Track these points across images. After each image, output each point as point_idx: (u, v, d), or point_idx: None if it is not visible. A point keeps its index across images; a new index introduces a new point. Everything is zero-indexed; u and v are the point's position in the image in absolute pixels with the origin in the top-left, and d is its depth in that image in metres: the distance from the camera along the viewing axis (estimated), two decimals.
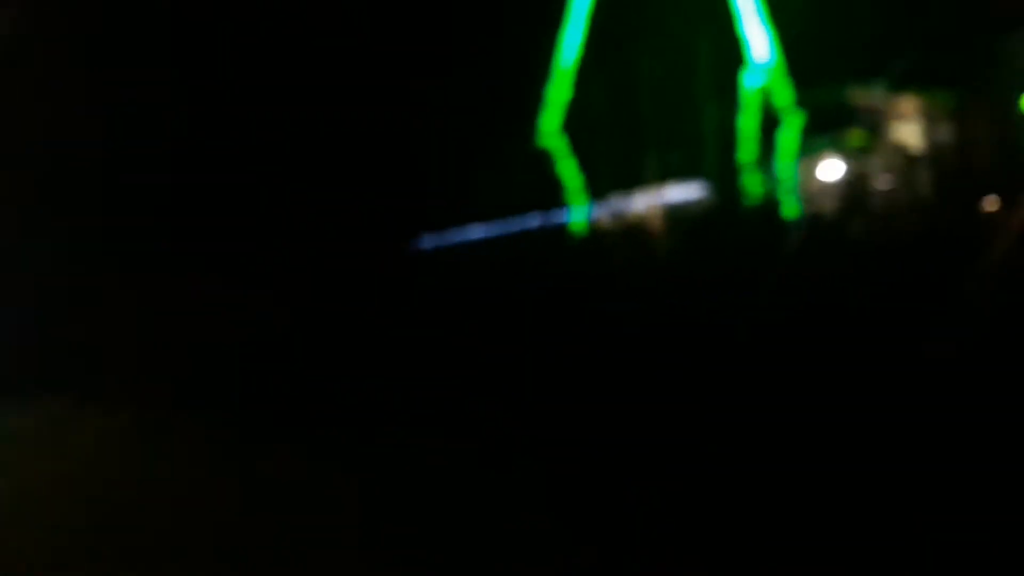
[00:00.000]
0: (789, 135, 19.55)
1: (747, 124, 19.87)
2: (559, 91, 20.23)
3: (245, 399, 8.45)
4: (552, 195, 19.94)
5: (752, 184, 19.54)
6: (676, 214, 19.57)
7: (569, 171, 20.16)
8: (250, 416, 7.97)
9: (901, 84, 19.04)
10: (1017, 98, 18.01)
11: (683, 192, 20.62)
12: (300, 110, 17.62)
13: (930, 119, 19.65)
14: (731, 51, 20.18)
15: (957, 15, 17.48)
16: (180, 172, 15.61)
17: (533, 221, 20.01)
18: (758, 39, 19.91)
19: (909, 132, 20.27)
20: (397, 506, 5.19)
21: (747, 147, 19.89)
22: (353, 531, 4.79)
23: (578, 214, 19.92)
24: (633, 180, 20.38)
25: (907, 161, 19.07)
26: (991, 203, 14.00)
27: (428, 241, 18.74)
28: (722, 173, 19.79)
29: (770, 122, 19.91)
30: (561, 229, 19.67)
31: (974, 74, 18.14)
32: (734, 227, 17.46)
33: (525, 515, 4.78)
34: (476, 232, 19.72)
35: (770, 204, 19.12)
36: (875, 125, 19.43)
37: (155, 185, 15.17)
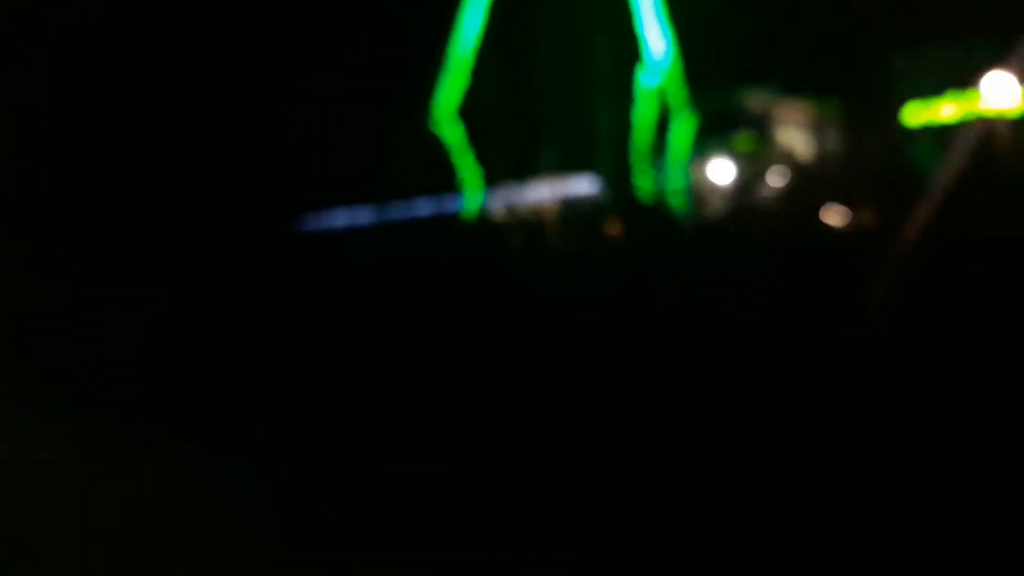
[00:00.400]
0: (681, 135, 19.88)
1: (641, 122, 20.13)
2: (455, 78, 20.03)
3: (123, 391, 8.02)
4: (444, 182, 19.77)
5: (644, 181, 19.81)
6: (568, 207, 19.67)
7: (463, 158, 20.03)
8: (128, 409, 7.56)
9: (789, 89, 19.55)
10: (900, 110, 18.68)
11: (576, 186, 20.73)
12: (175, 89, 16.98)
13: (816, 126, 20.26)
14: (628, 48, 20.39)
15: (845, 25, 17.96)
16: (48, 158, 14.85)
17: (424, 207, 19.80)
18: (655, 37, 20.16)
19: (796, 138, 20.83)
20: (273, 503, 5.01)
21: (640, 145, 20.16)
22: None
23: (470, 202, 19.80)
24: (526, 171, 20.41)
25: (793, 166, 19.60)
26: (868, 211, 14.42)
27: (311, 225, 18.31)
28: (615, 169, 19.99)
29: (664, 121, 20.22)
30: (452, 216, 19.51)
31: (860, 84, 18.71)
32: (625, 222, 17.62)
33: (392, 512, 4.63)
34: (364, 217, 19.38)
35: (661, 202, 19.42)
36: (764, 129, 19.92)
37: (19, 174, 14.39)
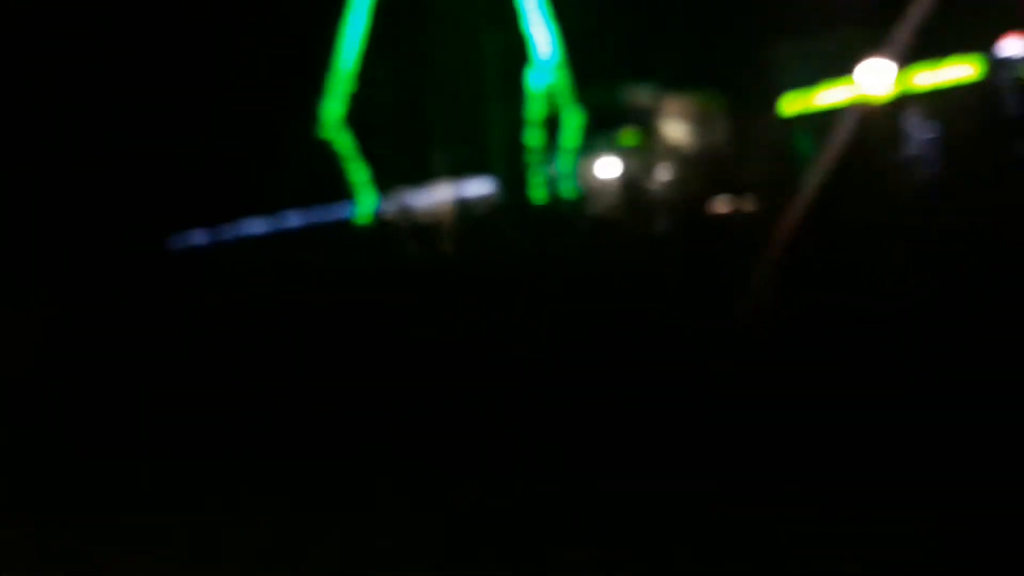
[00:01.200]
0: (570, 133, 20.14)
1: (532, 121, 20.31)
2: (342, 83, 19.92)
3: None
4: (336, 189, 19.64)
5: (536, 180, 20.00)
6: (463, 209, 19.70)
7: (354, 165, 19.91)
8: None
9: (671, 84, 20.00)
10: (778, 100, 19.27)
11: (470, 187, 20.81)
12: (58, 104, 16.49)
13: (698, 119, 20.77)
14: (516, 48, 20.54)
15: (723, 19, 18.43)
16: None
17: (315, 215, 19.61)
18: (542, 37, 20.35)
19: (679, 131, 21.29)
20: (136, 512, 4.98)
21: (531, 144, 20.34)
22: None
23: (364, 208, 19.71)
24: (419, 175, 20.39)
25: (677, 159, 20.05)
26: (751, 201, 14.78)
27: (201, 237, 17.94)
28: (508, 169, 20.12)
29: (553, 120, 20.44)
30: (345, 223, 19.37)
31: (739, 76, 19.22)
32: (519, 222, 17.71)
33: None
34: (255, 227, 19.08)
35: (553, 200, 19.60)
36: (648, 124, 20.33)
37: None
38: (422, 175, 20.70)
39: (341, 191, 19.72)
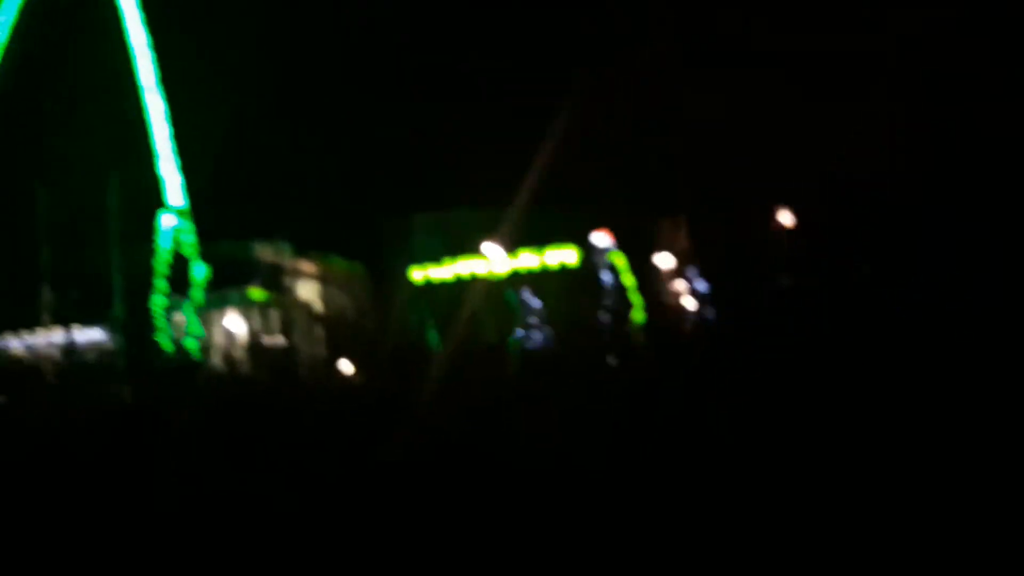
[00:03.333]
0: (196, 283, 19.83)
1: (157, 268, 19.75)
2: None
3: None
4: None
5: (160, 329, 19.33)
6: (77, 354, 18.65)
7: None
8: None
9: (302, 247, 20.54)
10: (404, 267, 20.47)
11: (87, 334, 19.71)
12: None
13: (326, 280, 21.44)
14: (146, 191, 20.08)
15: (353, 196, 19.51)
16: None
17: None
18: (173, 183, 20.09)
19: (309, 291, 21.80)
20: None
21: (156, 291, 19.73)
22: None
23: None
24: (29, 318, 19.11)
25: (307, 317, 20.44)
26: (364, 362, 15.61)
27: None
28: (129, 316, 19.30)
29: (180, 269, 20.05)
30: None
31: (368, 245, 20.24)
32: (138, 371, 17.15)
33: None
34: None
35: (176, 350, 19.06)
36: (277, 282, 20.59)
37: None
38: (31, 318, 19.50)
39: None
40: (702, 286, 19.18)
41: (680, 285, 21.16)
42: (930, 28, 15.17)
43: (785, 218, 19.93)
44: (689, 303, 19.70)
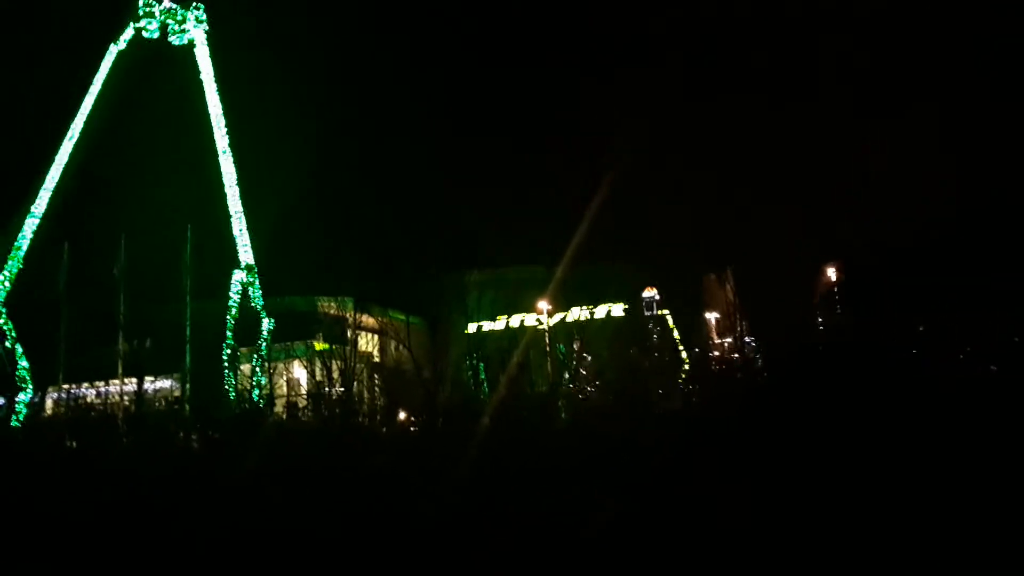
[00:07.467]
0: (264, 336, 20.55)
1: (227, 322, 20.51)
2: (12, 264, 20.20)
3: None
4: None
5: (228, 379, 19.99)
6: (148, 403, 19.26)
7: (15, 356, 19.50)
8: None
9: (365, 301, 21.20)
10: (460, 320, 21.00)
11: (159, 383, 20.41)
12: None
13: (386, 333, 22.04)
14: (217, 249, 20.89)
15: (413, 254, 20.18)
16: None
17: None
18: (243, 241, 20.94)
19: (369, 343, 22.39)
20: None
21: (226, 344, 20.45)
22: None
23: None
24: (104, 368, 19.81)
25: (367, 367, 20.98)
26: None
27: None
28: (199, 367, 19.94)
29: (249, 322, 20.76)
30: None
31: (426, 299, 20.85)
32: (206, 419, 17.65)
33: None
34: None
35: (242, 400, 19.59)
36: (340, 334, 21.21)
37: None
38: (104, 368, 20.27)
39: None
40: (748, 340, 19.47)
41: (726, 339, 21.56)
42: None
43: (833, 273, 20.17)
44: (735, 357, 20.00)
